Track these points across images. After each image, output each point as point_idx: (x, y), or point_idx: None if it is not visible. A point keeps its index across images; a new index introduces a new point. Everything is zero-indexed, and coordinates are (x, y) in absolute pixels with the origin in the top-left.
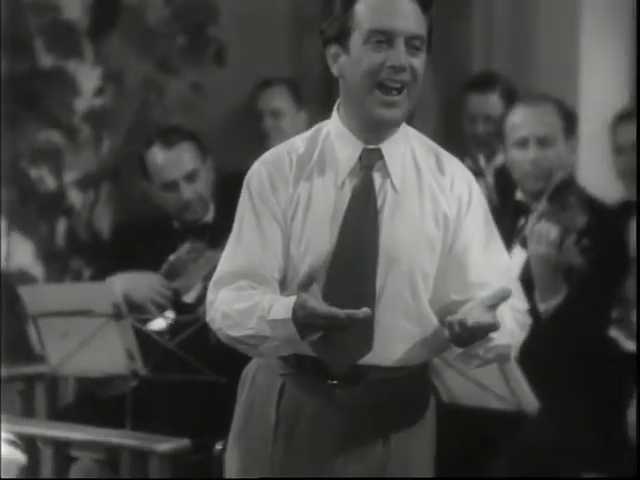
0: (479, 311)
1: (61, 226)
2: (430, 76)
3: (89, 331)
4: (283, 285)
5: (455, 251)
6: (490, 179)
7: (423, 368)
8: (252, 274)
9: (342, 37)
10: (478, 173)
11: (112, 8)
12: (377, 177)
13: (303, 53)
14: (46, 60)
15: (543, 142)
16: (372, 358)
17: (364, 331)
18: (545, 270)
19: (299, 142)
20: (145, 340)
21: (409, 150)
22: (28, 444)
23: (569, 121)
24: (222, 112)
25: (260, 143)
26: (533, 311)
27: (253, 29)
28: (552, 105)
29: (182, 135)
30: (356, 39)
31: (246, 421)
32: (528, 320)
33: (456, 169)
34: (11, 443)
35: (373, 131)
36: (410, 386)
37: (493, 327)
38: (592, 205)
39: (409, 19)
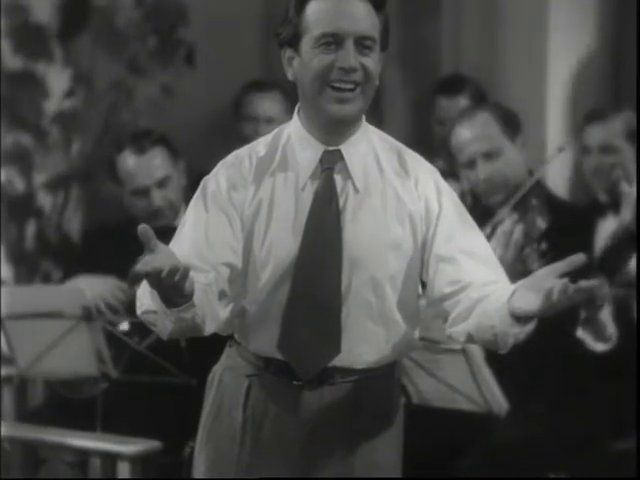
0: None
1: (30, 228)
2: (399, 78)
3: (58, 333)
4: (244, 290)
5: (437, 248)
6: (465, 181)
7: (390, 370)
8: (198, 270)
9: (294, 40)
10: (454, 176)
11: (82, 9)
12: (338, 179)
13: (275, 55)
14: (14, 62)
15: (489, 156)
16: (338, 360)
17: (331, 333)
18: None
19: (261, 145)
20: (115, 342)
21: (371, 150)
22: None
23: (510, 122)
24: (193, 114)
25: (233, 142)
26: None
27: (224, 31)
28: (488, 113)
29: (154, 140)
30: (307, 42)
31: (213, 422)
32: None
33: (420, 167)
34: None
35: (332, 132)
36: (377, 388)
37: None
38: (556, 206)
39: (358, 20)
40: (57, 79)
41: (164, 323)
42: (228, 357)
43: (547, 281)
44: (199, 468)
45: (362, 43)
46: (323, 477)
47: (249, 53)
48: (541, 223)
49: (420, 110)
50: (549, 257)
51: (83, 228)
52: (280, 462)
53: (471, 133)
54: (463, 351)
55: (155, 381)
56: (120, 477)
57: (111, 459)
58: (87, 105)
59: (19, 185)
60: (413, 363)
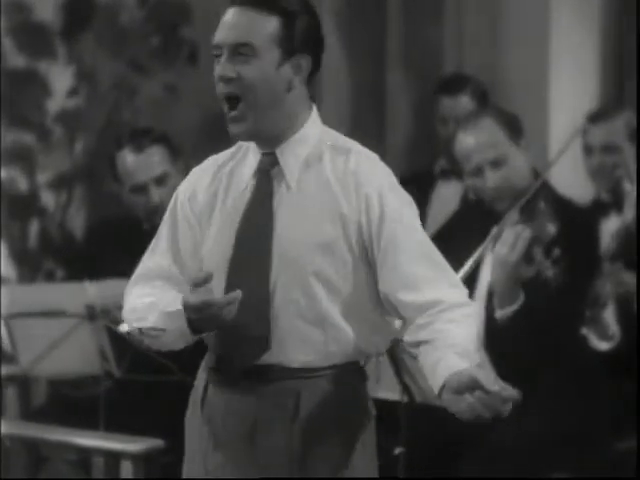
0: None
1: (34, 227)
2: (402, 79)
3: (62, 332)
4: None
5: (384, 250)
6: (471, 189)
7: (342, 373)
8: (166, 276)
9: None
10: (458, 175)
11: (85, 8)
12: (274, 180)
13: None
14: (17, 61)
15: (497, 164)
16: (272, 357)
17: (260, 330)
18: (503, 277)
19: (226, 153)
20: (118, 341)
21: (310, 152)
22: None
23: (513, 126)
24: (195, 113)
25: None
26: (490, 317)
27: None
28: (492, 119)
29: (152, 138)
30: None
31: (188, 421)
32: (472, 308)
33: (364, 169)
34: None
35: (263, 138)
36: (325, 390)
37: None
38: (563, 209)
39: (233, 29)
40: (60, 78)
41: (173, 341)
42: (205, 355)
43: (470, 397)
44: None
45: (238, 51)
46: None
47: None
48: (551, 228)
49: (423, 110)
50: (563, 265)
51: (86, 226)
52: (233, 456)
53: (476, 140)
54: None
55: (158, 380)
56: (123, 476)
57: (114, 458)
58: (90, 104)
59: (22, 184)
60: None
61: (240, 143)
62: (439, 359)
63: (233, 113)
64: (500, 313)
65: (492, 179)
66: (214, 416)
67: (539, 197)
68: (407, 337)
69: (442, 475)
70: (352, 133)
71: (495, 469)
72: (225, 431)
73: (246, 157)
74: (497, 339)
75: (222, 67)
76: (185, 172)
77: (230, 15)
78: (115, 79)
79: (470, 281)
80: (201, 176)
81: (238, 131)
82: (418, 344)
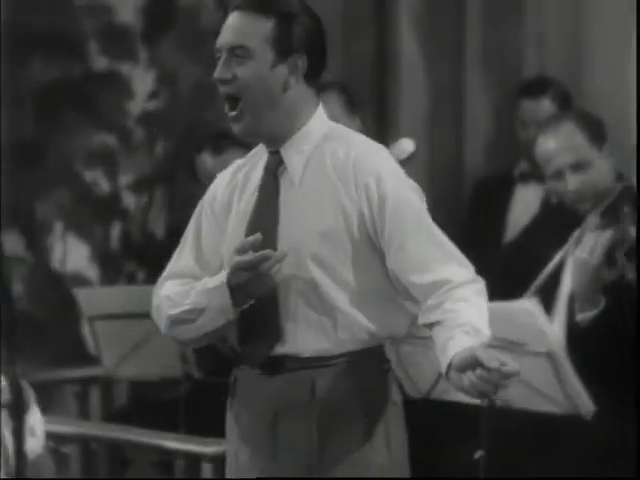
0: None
1: (116, 229)
2: (481, 81)
3: (143, 334)
4: None
5: (388, 234)
6: (553, 192)
7: (359, 360)
8: (195, 275)
9: None
10: (538, 178)
11: (166, 10)
12: (280, 178)
13: (354, 53)
14: (100, 63)
15: (577, 167)
16: (286, 348)
17: (271, 322)
18: (584, 281)
19: (248, 155)
20: None
21: (314, 146)
22: (83, 445)
23: (595, 130)
24: None
25: None
26: (572, 321)
27: None
28: (573, 123)
29: (232, 141)
30: None
31: (228, 418)
32: (481, 284)
33: (364, 158)
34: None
35: (267, 138)
36: (341, 379)
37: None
38: None
39: (230, 32)
40: (141, 80)
41: (212, 320)
42: None
43: (472, 375)
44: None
45: (234, 53)
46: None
47: (330, 53)
48: (633, 231)
49: (502, 113)
50: None
51: (167, 228)
52: (256, 453)
53: (557, 144)
54: (547, 353)
55: None
56: (203, 477)
57: (195, 459)
58: (171, 106)
59: (104, 186)
60: (408, 354)
61: (259, 147)
62: (448, 339)
63: (233, 113)
64: (581, 317)
65: (573, 182)
66: (240, 412)
67: (622, 200)
68: (420, 320)
69: (523, 478)
70: (430, 135)
71: (573, 471)
72: (250, 425)
73: (261, 159)
74: (579, 343)
75: (219, 69)
76: None
77: (230, 19)
78: (195, 81)
79: (551, 285)
80: (222, 179)
81: (238, 130)
82: (431, 325)
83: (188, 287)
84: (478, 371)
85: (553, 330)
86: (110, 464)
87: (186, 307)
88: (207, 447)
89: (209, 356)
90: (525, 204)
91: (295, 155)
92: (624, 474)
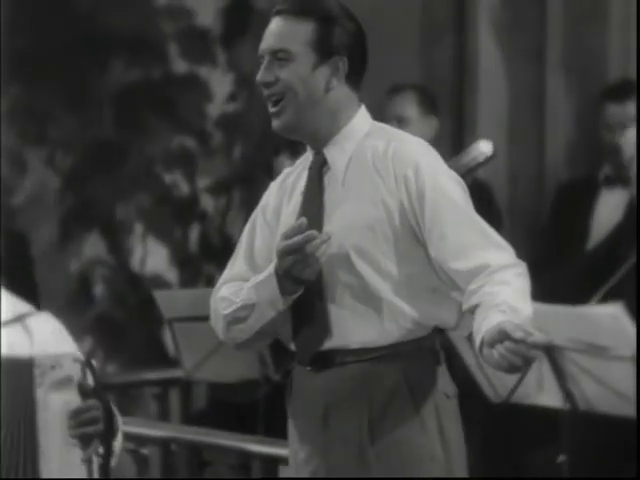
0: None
1: (194, 231)
2: (563, 85)
3: None
4: None
5: (429, 223)
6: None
7: (409, 351)
8: (248, 279)
9: None
10: (623, 182)
11: (244, 13)
12: (324, 177)
13: (433, 57)
14: (180, 66)
15: None
16: (334, 341)
17: (319, 317)
18: None
19: (298, 160)
20: (277, 345)
21: (356, 145)
22: (163, 447)
23: None
24: None
25: None
26: None
27: (383, 34)
28: None
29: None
30: None
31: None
32: (522, 267)
33: (402, 151)
34: None
35: (309, 139)
36: (391, 369)
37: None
38: None
39: (271, 36)
40: (220, 83)
41: (262, 315)
42: None
43: (501, 348)
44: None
45: (276, 56)
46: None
47: (408, 56)
48: None
49: (585, 116)
50: None
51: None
52: (312, 450)
53: None
54: (632, 357)
55: None
56: None
57: (273, 462)
58: (249, 109)
59: (184, 188)
60: (579, 369)
61: (307, 154)
62: (483, 319)
63: (274, 109)
64: None
65: None
66: (295, 411)
67: None
68: (464, 306)
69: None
70: (510, 138)
71: None
72: (304, 423)
73: (307, 162)
74: None
75: (262, 73)
76: None
77: (272, 25)
78: None
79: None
80: (273, 186)
81: (278, 125)
82: (473, 310)
83: (240, 286)
84: (506, 343)
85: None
86: (189, 466)
87: (238, 304)
88: (285, 449)
89: (287, 358)
90: (610, 208)
91: (338, 154)
92: None
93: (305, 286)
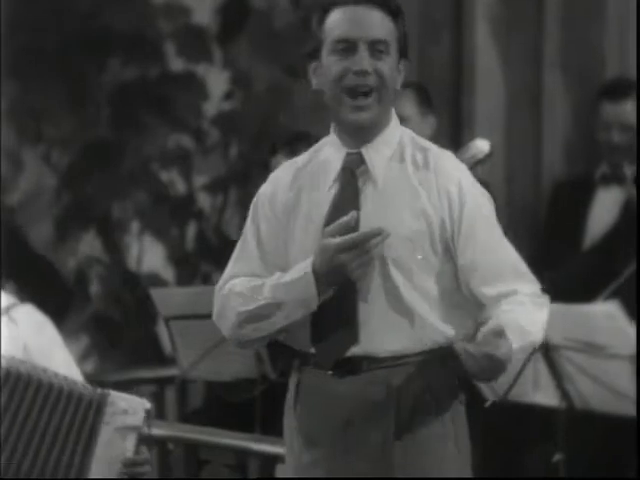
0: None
1: (191, 230)
2: (560, 82)
3: (219, 335)
4: None
5: (463, 244)
6: (632, 188)
7: (430, 359)
8: (260, 275)
9: (316, 51)
10: (619, 181)
11: (241, 12)
12: (360, 180)
13: (431, 56)
14: (176, 64)
15: None
16: (361, 348)
17: (349, 324)
18: None
19: (305, 154)
20: (274, 343)
21: (395, 150)
22: (160, 446)
23: None
24: None
25: None
26: None
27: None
28: None
29: (306, 143)
30: (325, 50)
31: (285, 420)
32: (546, 299)
33: (446, 166)
34: None
35: (355, 135)
36: (413, 377)
37: (503, 359)
38: None
39: (370, 25)
40: (216, 81)
41: (289, 314)
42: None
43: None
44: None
45: (375, 47)
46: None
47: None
48: None
49: (582, 115)
50: None
51: (242, 229)
52: (326, 453)
53: None
54: (629, 356)
55: None
56: (278, 478)
57: (270, 461)
58: (245, 107)
59: (180, 187)
60: (576, 368)
61: (315, 147)
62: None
63: (363, 101)
64: None
65: None
66: (308, 414)
67: None
68: (478, 317)
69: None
70: (507, 137)
71: None
72: (320, 427)
73: (328, 158)
74: None
75: (364, 61)
76: None
77: (354, 12)
78: (270, 82)
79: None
80: (281, 178)
81: (365, 119)
82: (485, 321)
83: (260, 282)
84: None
85: (635, 333)
86: (186, 465)
87: (261, 302)
88: (282, 448)
89: (284, 356)
90: (606, 207)
91: (377, 157)
92: None
93: (337, 288)
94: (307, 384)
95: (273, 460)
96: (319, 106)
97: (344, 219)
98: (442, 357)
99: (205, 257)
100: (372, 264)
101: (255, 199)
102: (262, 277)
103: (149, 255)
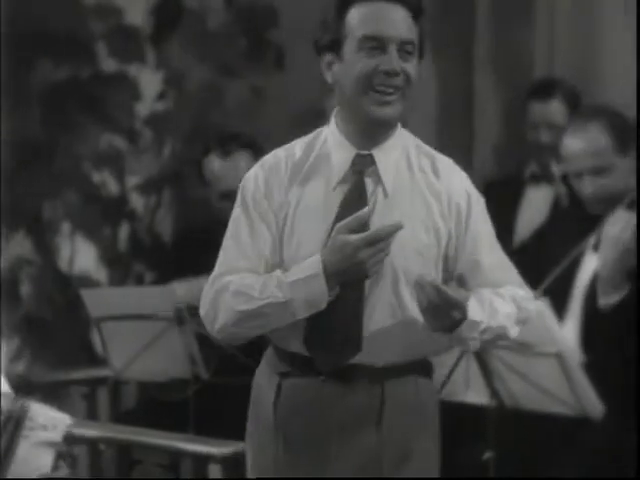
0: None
1: (124, 230)
2: (490, 82)
3: (151, 335)
4: None
5: (465, 258)
6: (561, 186)
7: (418, 367)
8: (258, 271)
9: (335, 45)
10: (548, 179)
11: (173, 13)
12: (369, 183)
13: None
14: (108, 64)
15: (598, 172)
16: (360, 358)
17: (353, 332)
18: (613, 258)
19: (297, 147)
20: (206, 344)
21: (403, 156)
22: (91, 446)
23: (624, 137)
24: (282, 116)
25: None
26: (592, 307)
27: (313, 33)
28: (601, 125)
29: (239, 143)
30: (349, 46)
31: (253, 420)
32: (532, 305)
33: (453, 176)
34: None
35: (367, 136)
36: (404, 384)
37: (460, 305)
38: None
39: (401, 25)
40: (149, 81)
41: (294, 313)
42: (265, 356)
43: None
44: (248, 467)
45: (404, 48)
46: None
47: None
48: None
49: (512, 115)
50: None
51: (175, 230)
52: (310, 458)
53: (580, 146)
54: (556, 355)
55: (246, 382)
56: (211, 478)
57: (202, 461)
58: (178, 107)
59: (112, 187)
60: (505, 367)
61: (308, 141)
62: None
63: (390, 97)
64: (604, 301)
65: (591, 186)
66: (292, 416)
67: None
68: None
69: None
70: (439, 138)
71: (585, 474)
72: (306, 431)
73: (331, 155)
74: (600, 330)
75: (394, 61)
76: None
77: (381, 9)
78: (202, 82)
79: (564, 285)
80: (275, 170)
81: (388, 113)
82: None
83: (260, 280)
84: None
85: (562, 330)
86: (118, 465)
87: (266, 301)
88: (215, 448)
89: (217, 357)
90: (535, 206)
91: (386, 159)
92: (631, 474)
93: (341, 294)
94: (290, 387)
95: (206, 460)
96: (252, 106)
97: (358, 213)
98: (426, 365)
99: (138, 257)
100: (383, 275)
101: (245, 191)
102: (256, 273)
103: (81, 256)
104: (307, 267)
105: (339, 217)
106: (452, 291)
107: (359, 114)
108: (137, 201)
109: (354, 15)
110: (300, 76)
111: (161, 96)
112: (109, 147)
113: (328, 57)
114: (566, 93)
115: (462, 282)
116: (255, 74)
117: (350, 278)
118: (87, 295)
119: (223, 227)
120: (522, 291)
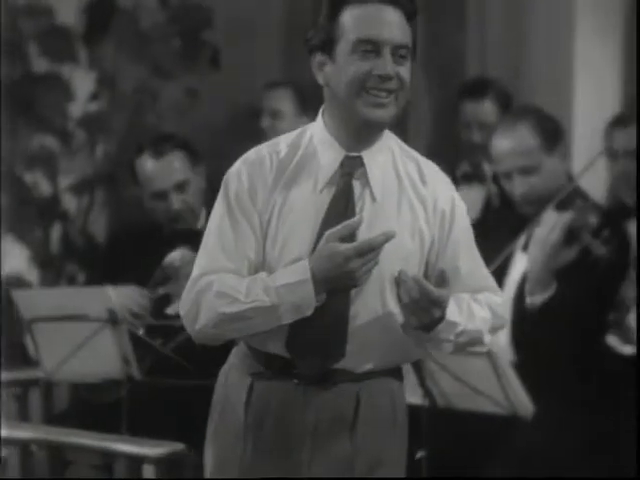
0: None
1: (56, 231)
2: (423, 83)
3: (84, 336)
4: None
5: (445, 263)
6: (492, 186)
7: (392, 373)
8: (242, 273)
9: (327, 46)
10: (480, 179)
11: (106, 12)
12: (357, 185)
13: (297, 57)
14: (40, 65)
15: (526, 171)
16: (341, 363)
17: (337, 338)
18: (541, 259)
19: (282, 144)
20: (140, 344)
21: (390, 159)
22: (23, 448)
23: (551, 133)
24: (217, 117)
25: (257, 144)
26: (520, 305)
27: (248, 33)
28: (529, 125)
29: (173, 144)
30: (342, 48)
31: (219, 420)
32: (506, 312)
33: (439, 182)
34: None
35: (356, 138)
36: (378, 390)
37: (441, 301)
38: (597, 209)
39: (395, 29)
40: (82, 82)
41: (280, 318)
42: (234, 355)
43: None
44: (207, 466)
45: (398, 52)
46: (325, 477)
47: (272, 55)
48: (593, 218)
49: (445, 114)
50: (614, 243)
51: (108, 231)
52: (281, 460)
53: (509, 145)
54: (487, 354)
55: (180, 383)
56: (145, 479)
57: (136, 461)
58: (112, 108)
59: (45, 188)
60: (438, 366)
61: (292, 139)
62: None
63: (385, 99)
64: (530, 301)
65: (520, 185)
66: (262, 420)
67: (575, 197)
68: None
69: (465, 477)
70: None
71: (517, 472)
72: (280, 434)
73: (318, 155)
74: (522, 327)
75: (389, 66)
76: (205, 177)
77: (376, 12)
78: (136, 83)
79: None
80: (259, 170)
81: (382, 115)
82: None
83: (244, 282)
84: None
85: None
86: (50, 467)
87: (248, 304)
88: (149, 448)
89: (150, 358)
90: (467, 206)
91: (374, 162)
92: (562, 475)
93: (327, 300)
94: (266, 387)
95: (140, 461)
96: (187, 106)
97: (349, 222)
98: (399, 371)
99: (70, 258)
100: (369, 281)
101: (227, 188)
102: (239, 274)
103: (12, 257)
104: (295, 272)
105: (326, 220)
106: (433, 287)
107: (352, 116)
108: (70, 202)
109: (349, 16)
110: (235, 76)
111: (94, 97)
112: (41, 148)
113: (319, 57)
114: (498, 93)
115: (441, 287)
116: (190, 74)
117: (339, 286)
118: (19, 296)
119: (154, 227)
120: (498, 298)
